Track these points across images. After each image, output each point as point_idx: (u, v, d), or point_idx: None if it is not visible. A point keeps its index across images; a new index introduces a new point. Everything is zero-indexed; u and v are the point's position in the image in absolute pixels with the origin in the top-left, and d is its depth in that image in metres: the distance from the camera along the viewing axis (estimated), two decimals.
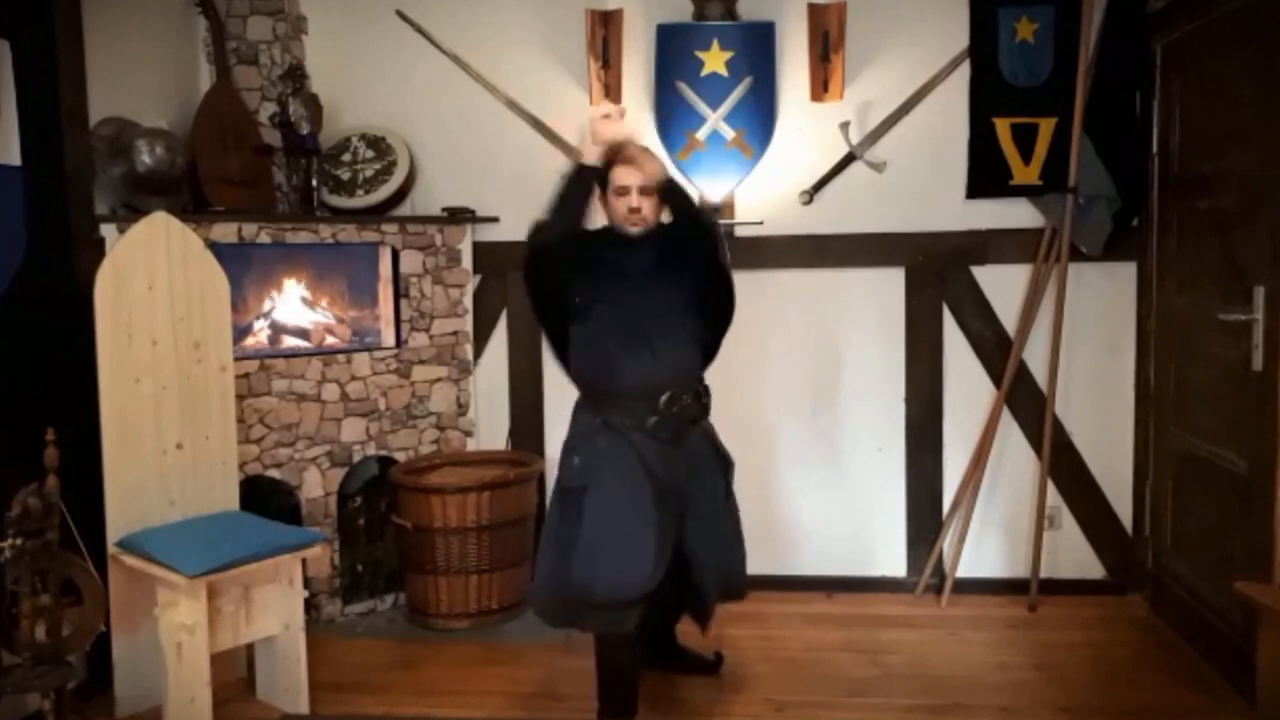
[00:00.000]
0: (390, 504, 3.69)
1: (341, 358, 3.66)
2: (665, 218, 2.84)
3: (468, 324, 3.95)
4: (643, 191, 2.74)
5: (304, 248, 3.66)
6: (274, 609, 2.90)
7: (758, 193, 3.78)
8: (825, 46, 3.65)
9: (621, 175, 2.75)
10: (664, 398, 2.70)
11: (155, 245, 2.96)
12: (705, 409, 2.86)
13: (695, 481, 2.79)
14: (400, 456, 3.78)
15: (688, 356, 2.80)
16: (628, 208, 2.74)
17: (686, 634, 3.18)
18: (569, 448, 2.78)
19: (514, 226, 3.90)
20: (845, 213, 3.77)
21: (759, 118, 3.71)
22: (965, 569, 3.76)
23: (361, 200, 3.81)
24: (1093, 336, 3.71)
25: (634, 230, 2.76)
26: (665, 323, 2.74)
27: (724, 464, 2.92)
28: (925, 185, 3.74)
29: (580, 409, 2.84)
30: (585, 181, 2.77)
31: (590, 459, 2.70)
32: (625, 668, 2.77)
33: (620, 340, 2.69)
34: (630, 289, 2.74)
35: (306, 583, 3.09)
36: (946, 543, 3.80)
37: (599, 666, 2.78)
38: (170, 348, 2.99)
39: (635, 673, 2.81)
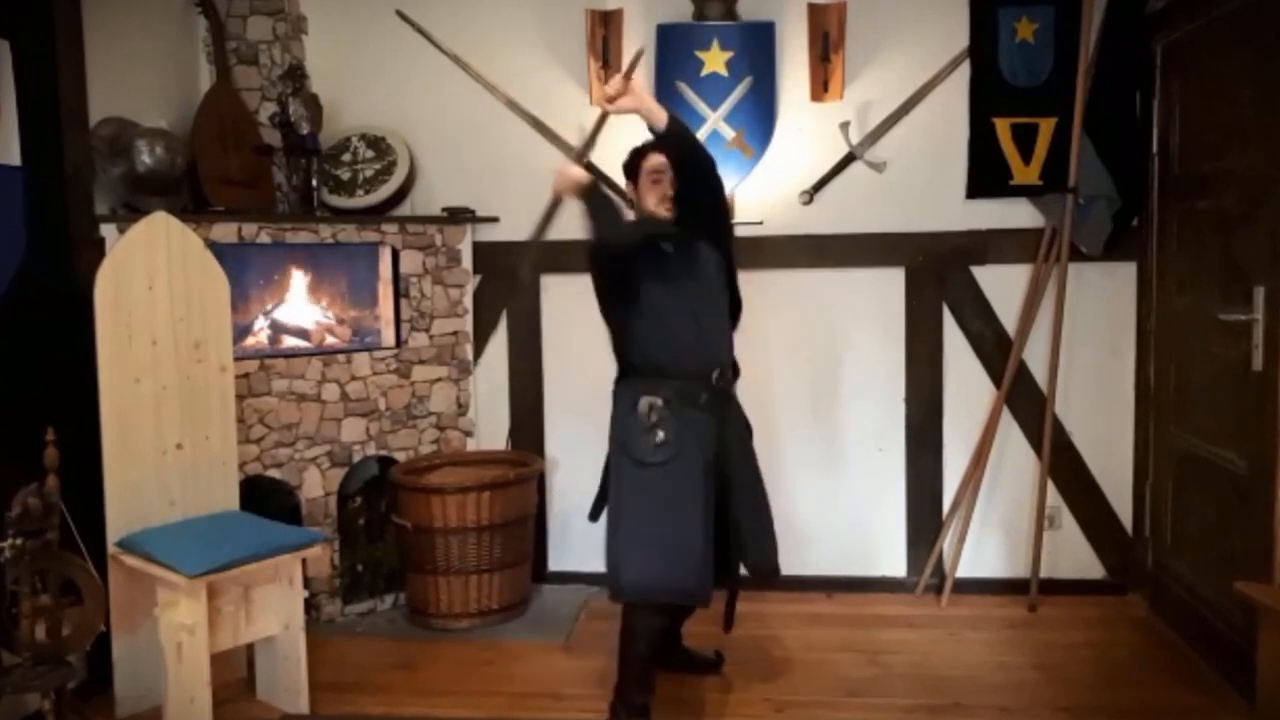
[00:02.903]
0: (390, 504, 3.69)
1: (341, 358, 3.66)
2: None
3: (468, 324, 3.95)
4: (669, 180, 2.85)
5: (304, 248, 3.66)
6: (274, 609, 2.90)
7: (758, 193, 3.79)
8: (825, 46, 3.65)
9: (655, 162, 2.87)
10: (715, 374, 2.80)
11: (155, 245, 2.96)
12: (737, 378, 2.97)
13: (735, 454, 2.86)
14: (400, 456, 3.78)
15: (728, 330, 2.93)
16: (662, 193, 2.86)
17: (688, 634, 3.19)
18: (640, 426, 2.73)
19: (514, 226, 3.91)
20: (845, 213, 3.77)
21: (759, 118, 3.71)
22: (965, 569, 3.76)
23: (361, 200, 3.81)
24: (1093, 336, 3.72)
25: (667, 212, 2.87)
26: (708, 299, 2.85)
27: (749, 432, 3.00)
28: (925, 185, 3.74)
29: (630, 390, 2.81)
30: (604, 195, 2.87)
31: (667, 433, 2.71)
32: (655, 642, 2.79)
33: (678, 320, 2.77)
34: (674, 268, 2.81)
35: (306, 583, 3.09)
36: (946, 543, 3.80)
37: (627, 641, 2.76)
38: (170, 348, 2.99)
39: (660, 649, 2.85)
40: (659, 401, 2.72)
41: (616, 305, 2.84)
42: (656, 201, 2.87)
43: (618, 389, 2.88)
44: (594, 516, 2.92)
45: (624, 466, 2.76)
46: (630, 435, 2.75)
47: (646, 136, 2.86)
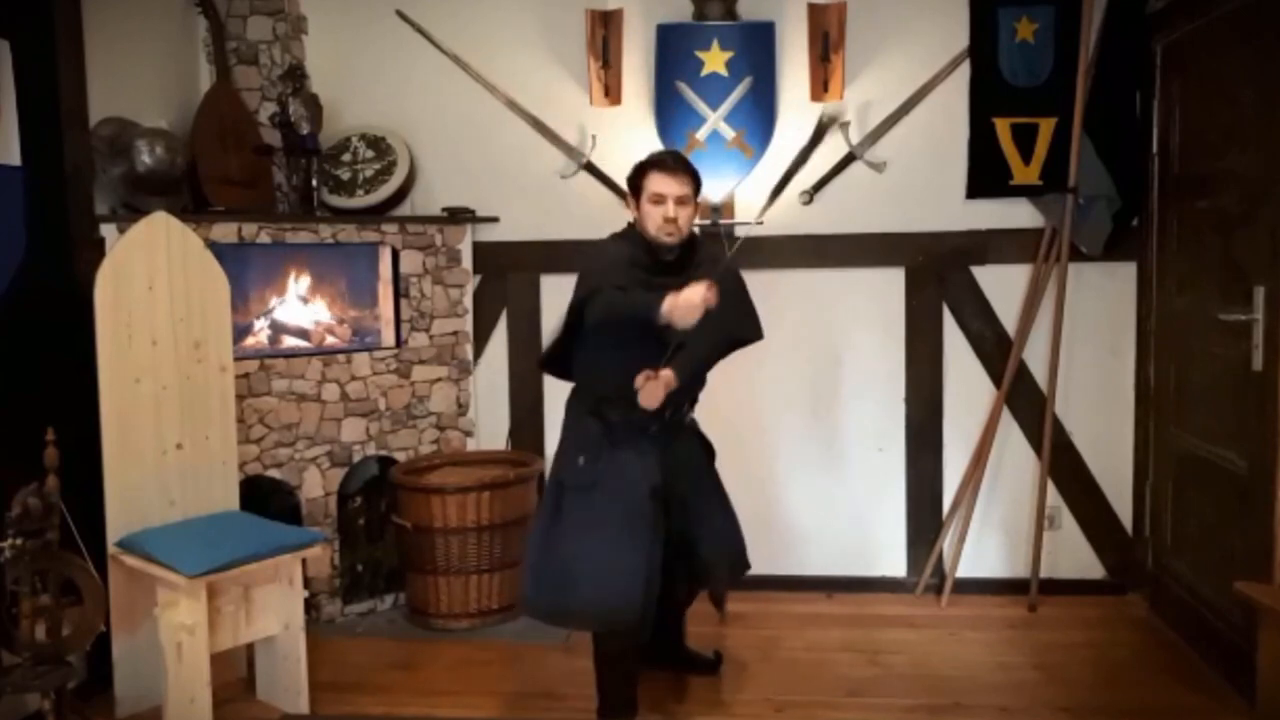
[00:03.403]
0: (390, 504, 3.69)
1: (341, 358, 3.66)
2: (696, 226, 2.83)
3: (468, 324, 3.95)
4: (679, 201, 2.68)
5: (304, 248, 3.65)
6: (274, 609, 2.90)
7: (758, 193, 3.78)
8: (825, 46, 3.65)
9: (656, 183, 2.69)
10: (669, 411, 2.69)
11: (155, 245, 2.96)
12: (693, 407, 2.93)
13: (688, 474, 2.83)
14: (400, 456, 3.78)
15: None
16: (664, 217, 2.67)
17: (691, 634, 3.19)
18: (574, 447, 2.77)
19: (514, 226, 3.92)
20: (845, 213, 3.77)
21: (759, 118, 3.71)
22: (965, 569, 3.76)
23: (361, 200, 3.81)
24: (1093, 336, 3.71)
25: (669, 240, 2.69)
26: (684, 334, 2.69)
27: (709, 453, 2.98)
28: (925, 185, 3.74)
29: (580, 408, 2.82)
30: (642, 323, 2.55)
31: (597, 458, 2.70)
32: (625, 665, 2.77)
33: (644, 354, 2.60)
34: (656, 300, 2.64)
35: (306, 583, 3.08)
36: (946, 543, 3.80)
37: (598, 664, 2.78)
38: (170, 348, 2.99)
39: (636, 671, 2.81)
40: (601, 425, 2.71)
41: (579, 339, 2.73)
42: (658, 226, 2.68)
43: (567, 414, 2.85)
44: None
45: (556, 494, 2.75)
46: (562, 457, 2.76)
47: (646, 150, 2.85)
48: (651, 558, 2.65)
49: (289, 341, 3.69)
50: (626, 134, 3.81)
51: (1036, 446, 3.72)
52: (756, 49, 3.68)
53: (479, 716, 2.95)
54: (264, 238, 3.47)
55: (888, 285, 3.79)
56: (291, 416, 3.53)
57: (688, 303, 2.39)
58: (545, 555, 2.73)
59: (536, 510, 2.84)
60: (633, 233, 2.79)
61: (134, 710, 2.91)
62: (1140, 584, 3.67)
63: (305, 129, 3.62)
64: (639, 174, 2.75)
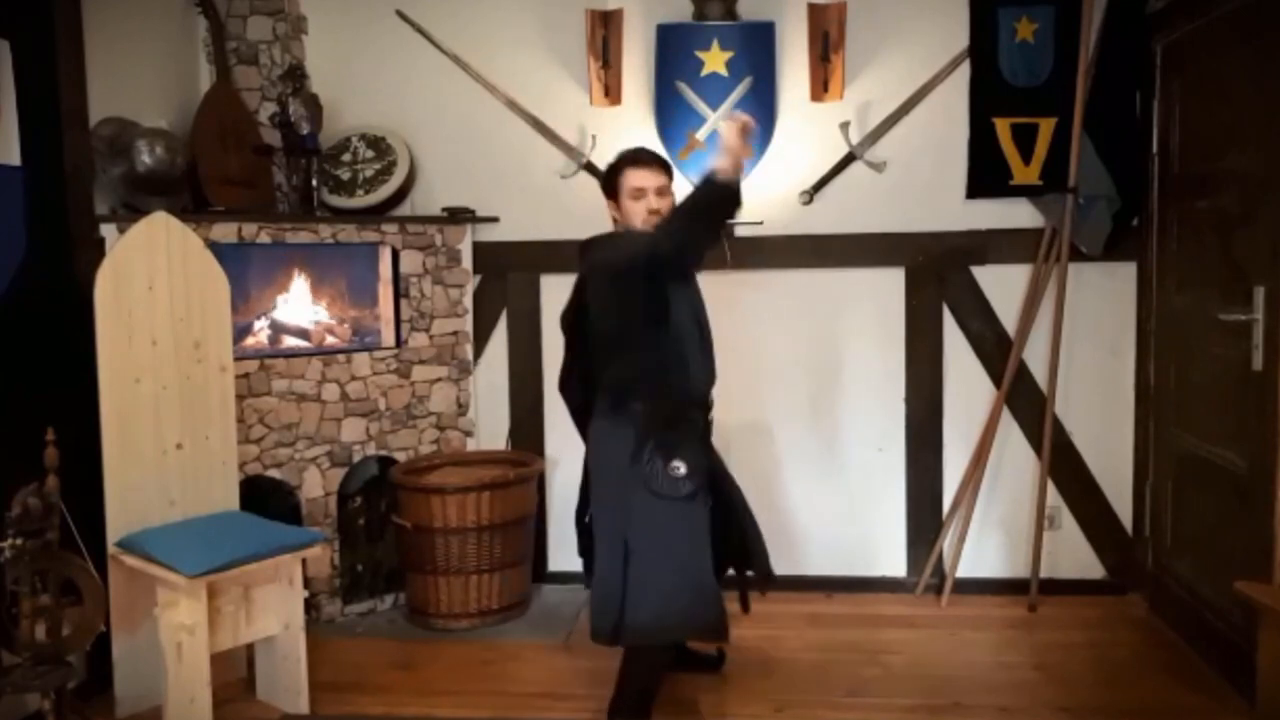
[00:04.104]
0: (390, 504, 3.69)
1: (341, 358, 3.66)
2: None
3: (468, 324, 3.95)
4: (659, 192, 2.73)
5: (304, 248, 3.65)
6: (274, 609, 2.90)
7: (758, 193, 3.78)
8: (825, 46, 3.65)
9: (634, 178, 2.74)
10: (711, 398, 2.76)
11: (155, 245, 2.96)
12: None
13: (720, 468, 2.85)
14: (400, 456, 3.78)
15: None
16: (648, 209, 2.71)
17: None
18: (660, 452, 2.59)
19: (514, 226, 3.91)
20: (845, 213, 3.77)
21: (759, 117, 3.67)
22: (965, 569, 3.76)
23: (361, 200, 3.81)
24: (1093, 336, 3.71)
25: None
26: (707, 323, 2.76)
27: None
28: (925, 185, 3.74)
29: (636, 417, 2.65)
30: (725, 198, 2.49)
31: (697, 463, 2.62)
32: (661, 671, 2.78)
33: (698, 347, 2.64)
34: (691, 292, 2.72)
35: (306, 583, 3.08)
36: (946, 543, 3.80)
37: (639, 669, 2.73)
38: (170, 348, 2.99)
39: (660, 681, 2.83)
40: (687, 447, 2.62)
41: (645, 327, 2.61)
42: (644, 220, 2.70)
43: (614, 427, 2.67)
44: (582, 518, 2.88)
45: (637, 499, 2.59)
46: (651, 475, 2.58)
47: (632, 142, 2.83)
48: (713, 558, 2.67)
49: (289, 341, 3.69)
50: (626, 134, 3.81)
51: (1036, 446, 3.72)
52: (756, 49, 3.68)
53: (479, 716, 2.94)
54: (264, 238, 3.47)
55: (888, 285, 3.79)
56: (291, 416, 3.53)
57: (730, 146, 2.40)
58: (681, 575, 2.59)
59: (630, 532, 2.60)
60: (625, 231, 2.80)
61: (134, 710, 2.92)
62: (1140, 584, 3.67)
63: (305, 129, 3.62)
64: (613, 175, 2.78)
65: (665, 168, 2.81)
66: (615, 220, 2.85)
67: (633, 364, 2.67)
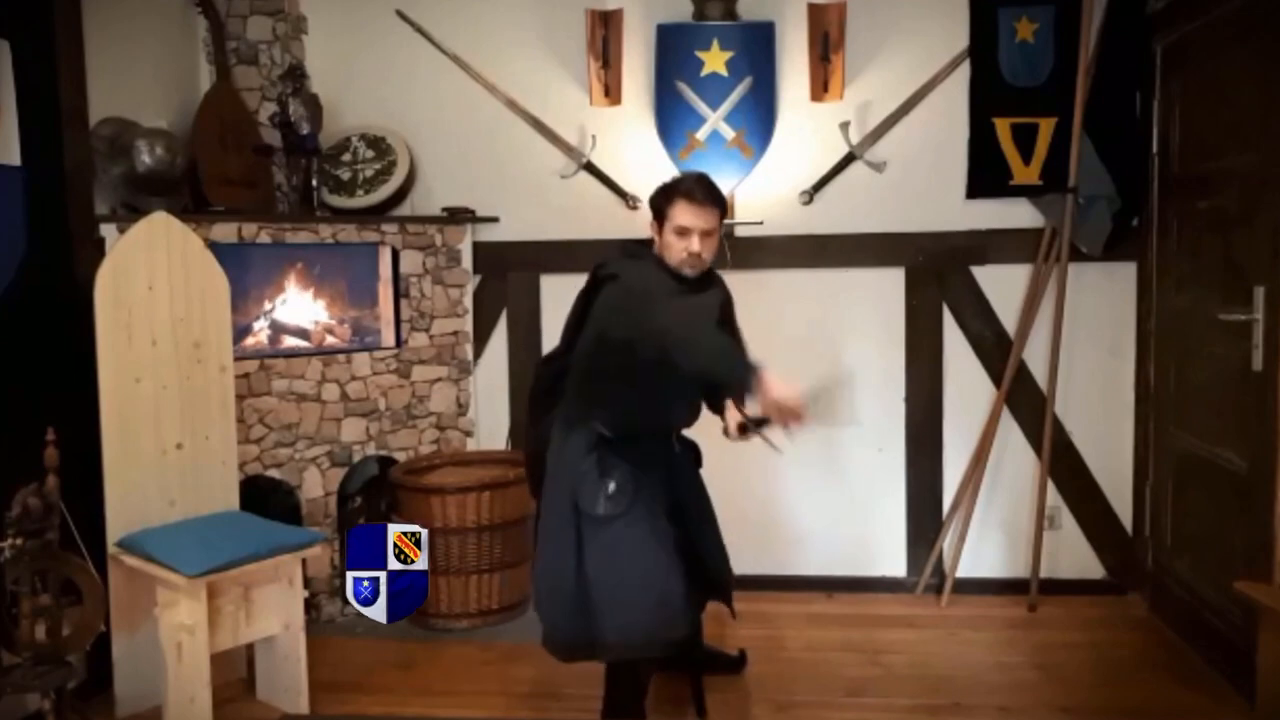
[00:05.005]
0: (390, 504, 3.69)
1: (341, 358, 3.66)
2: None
3: (468, 324, 3.95)
4: (705, 235, 2.54)
5: (304, 248, 3.65)
6: (274, 609, 2.90)
7: (758, 193, 3.78)
8: (825, 46, 3.65)
9: (683, 215, 2.53)
10: (685, 433, 2.74)
11: (155, 245, 2.96)
12: None
13: (687, 485, 2.80)
14: (400, 456, 3.78)
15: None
16: (687, 250, 2.54)
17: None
18: (597, 473, 2.57)
19: (514, 226, 3.91)
20: (845, 213, 3.77)
21: (759, 118, 3.71)
22: (965, 569, 3.76)
23: (361, 200, 3.81)
24: (1093, 336, 3.71)
25: (689, 273, 2.57)
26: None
27: (696, 455, 2.90)
28: (925, 185, 3.74)
29: (591, 433, 2.63)
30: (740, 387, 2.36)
31: (626, 485, 2.56)
32: (646, 679, 2.73)
33: (675, 385, 2.52)
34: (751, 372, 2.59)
35: (306, 583, 3.09)
36: (946, 543, 3.80)
37: (619, 678, 2.70)
38: (170, 348, 2.99)
39: (649, 681, 2.78)
40: (623, 450, 2.58)
41: (627, 374, 2.50)
42: (680, 260, 2.55)
43: (571, 434, 2.63)
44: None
45: (576, 523, 2.55)
46: (582, 486, 2.55)
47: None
48: (683, 574, 2.58)
49: (289, 341, 3.69)
50: (626, 134, 3.81)
51: (1036, 446, 3.72)
52: (756, 49, 3.68)
53: (479, 716, 2.95)
54: (264, 238, 3.47)
55: (888, 285, 3.79)
56: (291, 416, 3.53)
57: (780, 408, 2.21)
58: (578, 588, 2.53)
59: (545, 538, 2.63)
60: (654, 255, 2.63)
61: (134, 710, 2.91)
62: (1140, 584, 3.67)
63: (305, 129, 3.62)
64: (664, 200, 2.59)
65: (720, 206, 2.60)
66: (654, 240, 2.66)
67: (607, 394, 2.62)
